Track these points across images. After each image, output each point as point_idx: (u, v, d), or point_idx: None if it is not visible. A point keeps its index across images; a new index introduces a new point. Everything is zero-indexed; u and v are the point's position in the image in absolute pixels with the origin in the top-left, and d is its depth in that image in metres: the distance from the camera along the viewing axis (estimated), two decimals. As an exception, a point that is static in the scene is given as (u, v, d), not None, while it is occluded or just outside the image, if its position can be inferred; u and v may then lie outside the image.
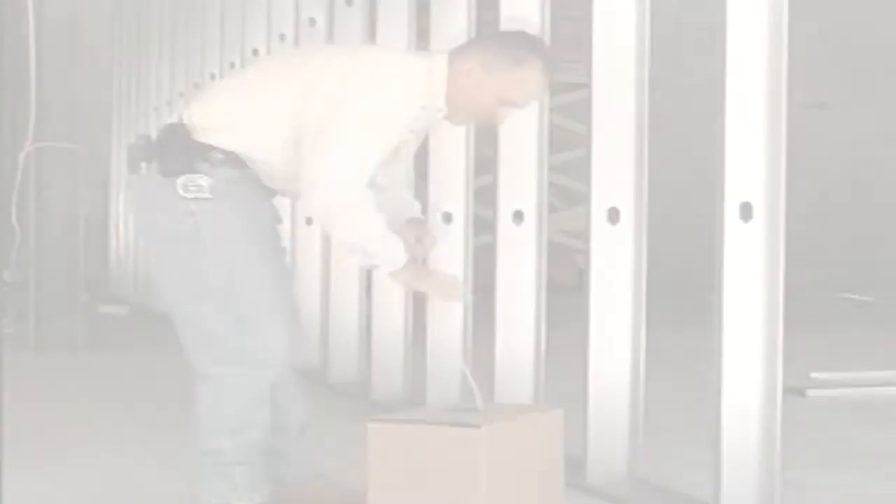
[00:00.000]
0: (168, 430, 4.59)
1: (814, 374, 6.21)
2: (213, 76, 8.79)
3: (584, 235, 3.75)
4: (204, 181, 2.89)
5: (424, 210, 4.23)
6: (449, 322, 4.88)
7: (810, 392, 5.60)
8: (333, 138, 2.84)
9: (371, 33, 5.84)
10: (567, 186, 15.35)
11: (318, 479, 3.15)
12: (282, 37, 7.15)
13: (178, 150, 2.90)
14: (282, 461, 3.10)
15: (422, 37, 5.20)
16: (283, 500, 3.07)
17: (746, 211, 3.14)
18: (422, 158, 5.03)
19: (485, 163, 4.78)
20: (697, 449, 4.11)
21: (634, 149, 3.67)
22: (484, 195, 4.73)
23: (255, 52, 7.71)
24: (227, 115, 2.96)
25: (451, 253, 4.88)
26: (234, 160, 2.92)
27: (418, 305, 5.08)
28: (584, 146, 3.77)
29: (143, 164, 2.97)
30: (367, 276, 5.53)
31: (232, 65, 8.26)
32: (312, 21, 6.60)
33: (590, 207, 3.69)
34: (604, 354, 3.66)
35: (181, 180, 2.88)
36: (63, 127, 7.46)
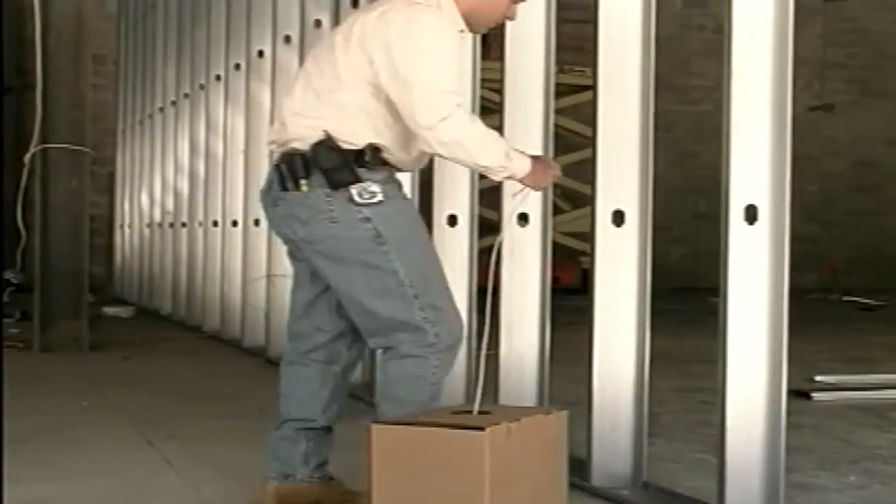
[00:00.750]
0: (173, 431, 4.59)
1: (819, 378, 6.21)
2: (218, 78, 8.81)
3: (589, 237, 3.74)
4: (375, 187, 3.10)
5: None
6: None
7: (815, 395, 5.60)
8: (414, 65, 3.03)
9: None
10: (573, 189, 15.36)
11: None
12: (287, 38, 7.16)
13: (341, 163, 3.09)
14: None
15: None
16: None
17: (751, 213, 3.14)
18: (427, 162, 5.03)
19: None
20: (702, 451, 4.11)
21: (639, 151, 3.67)
22: (489, 197, 4.73)
23: (261, 53, 7.72)
24: (348, 119, 3.11)
25: (455, 255, 4.89)
26: (380, 160, 3.12)
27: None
28: (589, 148, 3.76)
29: (303, 181, 3.11)
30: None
31: (237, 66, 8.28)
32: (318, 23, 6.61)
33: (595, 209, 3.68)
34: (608, 356, 3.66)
35: (355, 189, 3.08)
36: (69, 128, 7.46)
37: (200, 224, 9.31)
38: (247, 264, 7.78)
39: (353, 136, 3.10)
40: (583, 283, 3.68)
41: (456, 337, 3.18)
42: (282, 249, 7.07)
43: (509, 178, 3.17)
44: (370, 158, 3.10)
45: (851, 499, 3.60)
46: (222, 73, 8.75)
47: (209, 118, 9.09)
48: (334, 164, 3.09)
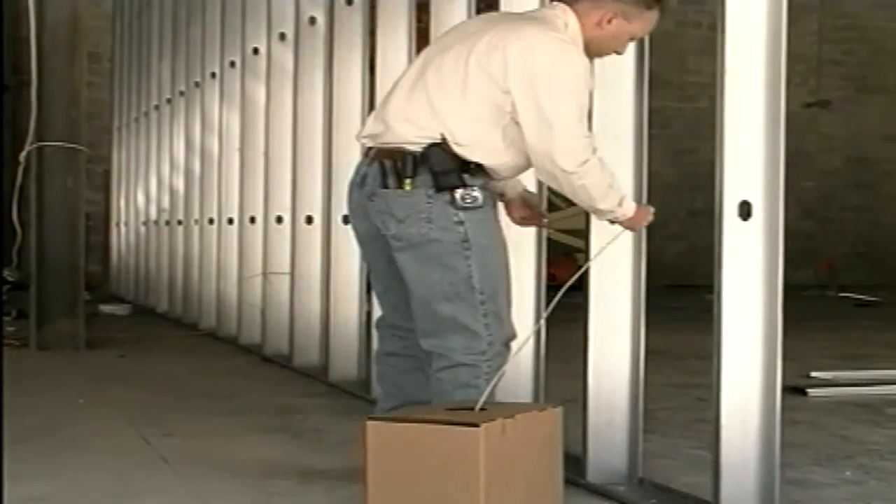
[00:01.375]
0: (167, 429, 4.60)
1: (815, 374, 6.22)
2: (214, 75, 8.81)
3: (584, 234, 3.74)
4: (478, 192, 3.22)
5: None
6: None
7: (811, 391, 5.60)
8: (560, 109, 3.13)
9: (371, 33, 5.84)
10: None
11: None
12: (282, 36, 7.16)
13: (452, 167, 3.19)
14: None
15: (421, 36, 5.20)
16: None
17: (745, 209, 3.14)
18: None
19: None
20: (698, 448, 4.12)
21: (634, 147, 3.67)
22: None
23: (256, 51, 7.72)
24: (465, 133, 3.21)
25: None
26: (481, 170, 3.25)
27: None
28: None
29: (408, 180, 3.20)
30: (367, 277, 5.53)
31: (232, 64, 8.27)
32: (313, 20, 6.61)
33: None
34: (604, 352, 3.66)
35: (459, 193, 3.20)
36: (64, 126, 7.46)
37: (196, 222, 9.31)
38: (243, 262, 7.78)
39: (467, 151, 3.20)
40: (578, 280, 3.68)
41: (506, 345, 3.31)
42: (280, 247, 7.13)
43: (613, 221, 3.32)
44: (476, 166, 3.22)
45: (847, 494, 3.61)
46: (217, 71, 8.75)
47: (204, 116, 9.09)
48: (445, 168, 3.19)
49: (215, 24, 8.80)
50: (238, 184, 7.97)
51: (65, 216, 7.46)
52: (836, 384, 5.92)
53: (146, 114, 11.60)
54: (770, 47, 3.13)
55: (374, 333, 3.75)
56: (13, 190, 7.47)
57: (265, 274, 7.18)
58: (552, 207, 5.63)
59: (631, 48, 3.55)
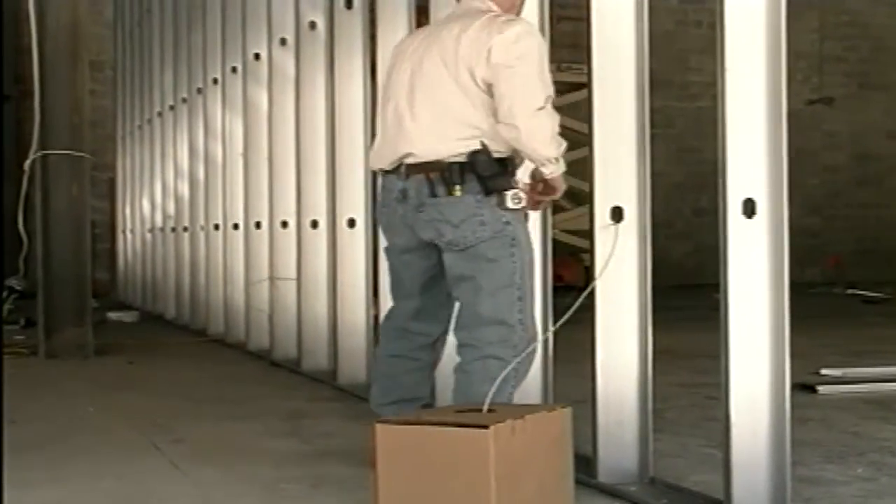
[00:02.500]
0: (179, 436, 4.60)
1: (824, 371, 6.21)
2: (216, 81, 8.82)
3: (589, 234, 3.74)
4: (523, 194, 3.52)
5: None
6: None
7: (821, 388, 5.59)
8: (531, 84, 3.46)
9: (371, 36, 5.85)
10: (573, 186, 15.36)
11: None
12: (283, 41, 7.17)
13: (499, 170, 3.48)
14: None
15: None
16: None
17: (749, 207, 3.13)
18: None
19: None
20: (708, 446, 4.11)
21: (636, 147, 3.66)
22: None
23: (257, 56, 7.73)
24: (489, 135, 3.48)
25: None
26: (514, 167, 3.56)
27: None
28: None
29: (457, 187, 3.47)
30: (374, 279, 5.53)
31: (234, 69, 8.28)
32: (313, 25, 6.61)
33: (593, 206, 3.68)
34: (612, 352, 3.65)
35: (510, 194, 3.48)
36: (67, 134, 7.46)
37: (202, 228, 9.31)
38: (249, 267, 7.78)
39: (499, 147, 3.48)
40: (586, 281, 3.69)
41: (531, 343, 3.55)
42: (286, 252, 7.11)
43: (555, 165, 3.53)
44: (515, 166, 3.54)
45: (859, 491, 3.60)
46: (219, 77, 8.76)
47: (207, 122, 9.10)
48: (493, 172, 3.47)
49: (216, 31, 8.81)
50: (243, 189, 7.98)
51: (70, 224, 7.46)
52: (845, 381, 5.91)
53: (149, 121, 11.61)
54: (770, 44, 3.13)
55: (380, 334, 3.92)
56: (18, 199, 7.48)
57: (272, 279, 7.18)
58: (557, 208, 5.63)
59: (630, 45, 3.56)
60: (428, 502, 2.80)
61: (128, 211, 13.11)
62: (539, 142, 3.44)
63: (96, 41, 13.28)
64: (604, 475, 3.62)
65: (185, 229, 9.97)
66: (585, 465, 3.60)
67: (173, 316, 10.30)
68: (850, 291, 13.49)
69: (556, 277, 4.14)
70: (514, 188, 3.49)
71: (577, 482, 3.24)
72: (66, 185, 7.43)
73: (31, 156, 7.42)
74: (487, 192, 3.46)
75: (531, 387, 4.14)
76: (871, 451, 4.19)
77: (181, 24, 10.11)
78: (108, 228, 14.42)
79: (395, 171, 3.61)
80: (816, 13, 17.13)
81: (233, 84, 8.34)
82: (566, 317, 3.55)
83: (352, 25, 6.04)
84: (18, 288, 7.88)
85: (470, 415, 2.91)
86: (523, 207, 3.52)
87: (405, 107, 3.58)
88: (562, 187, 3.63)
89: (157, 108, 11.21)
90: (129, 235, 13.10)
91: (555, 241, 4.31)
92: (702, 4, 16.20)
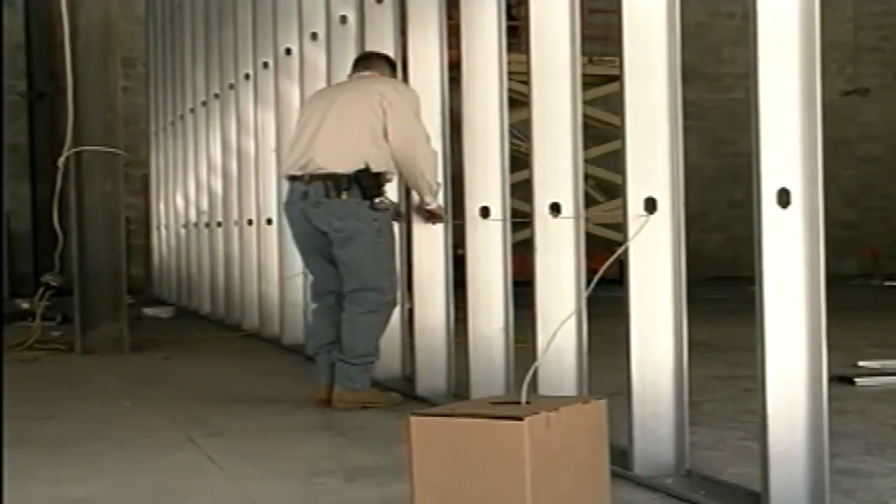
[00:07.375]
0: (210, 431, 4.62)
1: (862, 363, 6.16)
2: (247, 76, 8.85)
3: (622, 227, 3.72)
4: (387, 200, 5.05)
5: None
6: (490, 315, 4.87)
7: (859, 380, 5.55)
8: (415, 125, 5.04)
9: (402, 30, 5.84)
10: (607, 179, 15.27)
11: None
12: (314, 35, 7.18)
13: (374, 183, 4.97)
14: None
15: (452, 33, 5.20)
16: None
17: (784, 197, 3.10)
18: (458, 155, 5.04)
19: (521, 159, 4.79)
20: (745, 439, 4.08)
21: (669, 139, 3.64)
22: (520, 190, 4.73)
23: (289, 51, 7.74)
24: (374, 156, 4.97)
25: (489, 245, 4.89)
26: (385, 183, 5.07)
27: (460, 300, 5.10)
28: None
29: (344, 193, 4.93)
30: (408, 273, 5.54)
31: (266, 65, 8.30)
32: (344, 19, 6.62)
33: (626, 198, 3.66)
34: (646, 345, 3.63)
35: (378, 200, 4.97)
36: (100, 131, 7.50)
37: (236, 223, 9.35)
38: (283, 262, 7.81)
39: (377, 166, 4.96)
40: (621, 274, 3.67)
41: (394, 300, 5.14)
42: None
43: (434, 195, 5.18)
44: (383, 182, 5.04)
45: (897, 482, 3.56)
46: (251, 72, 8.79)
47: (240, 117, 9.13)
48: (370, 184, 4.95)
49: (247, 26, 8.84)
50: (275, 184, 8.00)
51: (105, 220, 7.51)
52: (884, 373, 5.86)
53: (182, 117, 11.66)
54: (804, 35, 3.09)
55: (311, 300, 5.35)
56: (53, 196, 7.53)
57: (305, 273, 7.20)
58: (591, 201, 5.58)
59: (662, 37, 3.54)
60: (463, 495, 2.79)
61: (161, 207, 13.18)
62: (426, 167, 5.02)
63: (128, 38, 13.36)
64: (640, 467, 3.60)
65: (219, 224, 10.01)
66: (621, 457, 3.59)
67: (208, 311, 10.34)
68: (887, 283, 13.38)
69: (591, 270, 4.12)
70: (382, 196, 4.96)
71: (613, 474, 3.23)
72: (100, 182, 7.48)
73: (65, 153, 7.47)
74: (364, 198, 4.93)
75: (566, 380, 4.13)
76: (910, 443, 4.15)
77: (212, 20, 10.15)
78: (142, 225, 14.50)
79: (300, 177, 5.02)
80: (851, 3, 16.99)
81: (264, 79, 8.36)
82: (592, 284, 3.80)
83: (382, 19, 6.04)
84: (54, 284, 7.92)
85: (504, 407, 2.89)
86: (385, 209, 4.98)
87: (315, 132, 5.02)
88: (441, 212, 5.24)
89: (189, 105, 11.25)
90: (163, 231, 13.17)
91: (589, 235, 4.29)
92: (734, -5, 16.12)
